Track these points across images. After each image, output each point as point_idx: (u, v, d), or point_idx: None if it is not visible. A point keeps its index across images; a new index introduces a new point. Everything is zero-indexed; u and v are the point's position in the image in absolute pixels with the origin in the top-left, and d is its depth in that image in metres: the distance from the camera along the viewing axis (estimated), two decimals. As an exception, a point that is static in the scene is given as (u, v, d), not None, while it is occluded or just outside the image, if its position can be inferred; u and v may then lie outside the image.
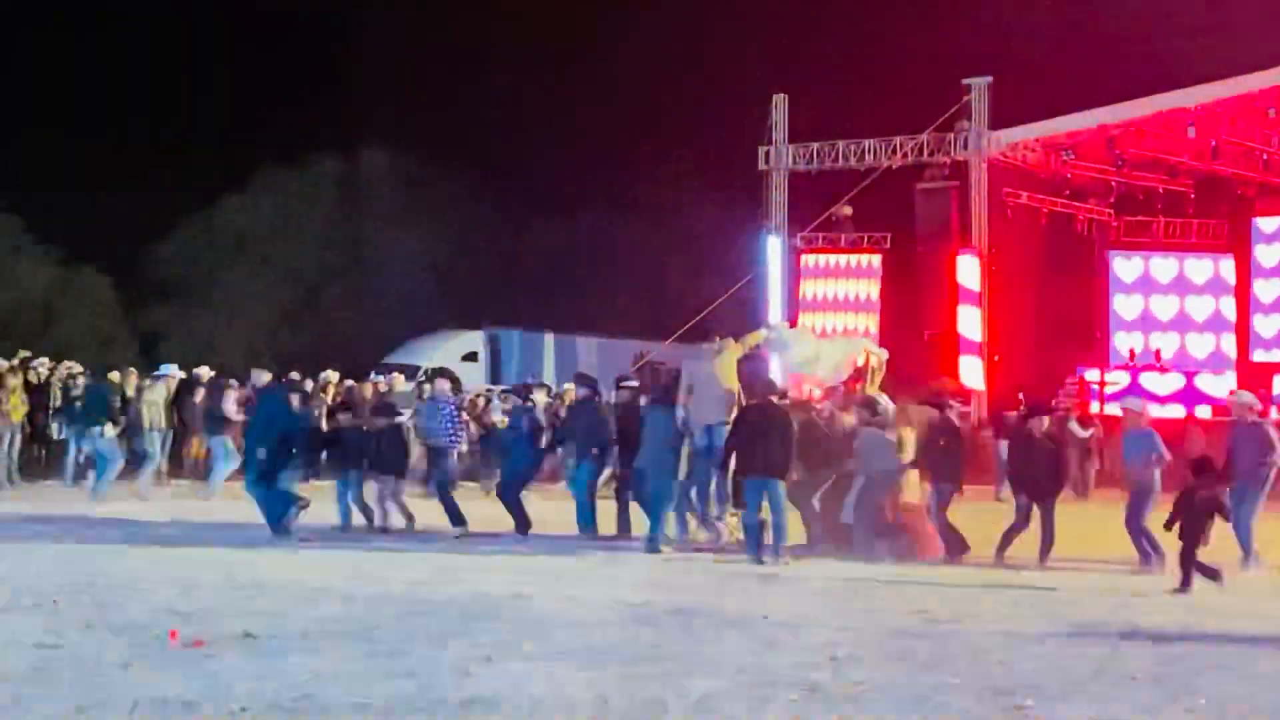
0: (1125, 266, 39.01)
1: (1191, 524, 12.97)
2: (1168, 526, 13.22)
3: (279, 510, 15.28)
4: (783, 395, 15.21)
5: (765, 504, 14.34)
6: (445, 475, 16.99)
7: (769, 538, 14.27)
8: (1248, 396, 15.89)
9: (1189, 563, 12.84)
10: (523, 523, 16.50)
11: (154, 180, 46.28)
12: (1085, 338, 38.43)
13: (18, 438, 22.10)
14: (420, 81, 49.22)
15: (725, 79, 47.10)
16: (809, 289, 38.95)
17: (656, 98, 48.92)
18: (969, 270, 36.06)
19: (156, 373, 22.10)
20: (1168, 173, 37.73)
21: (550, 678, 7.62)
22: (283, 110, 49.57)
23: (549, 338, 41.32)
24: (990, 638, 9.57)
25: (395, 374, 27.65)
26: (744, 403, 15.74)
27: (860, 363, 17.22)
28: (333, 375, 24.96)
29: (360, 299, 49.89)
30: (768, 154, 38.43)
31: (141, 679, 7.31)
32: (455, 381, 18.04)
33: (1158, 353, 36.72)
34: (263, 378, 19.54)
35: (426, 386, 20.01)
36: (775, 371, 17.15)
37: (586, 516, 16.56)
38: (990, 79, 36.22)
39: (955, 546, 15.25)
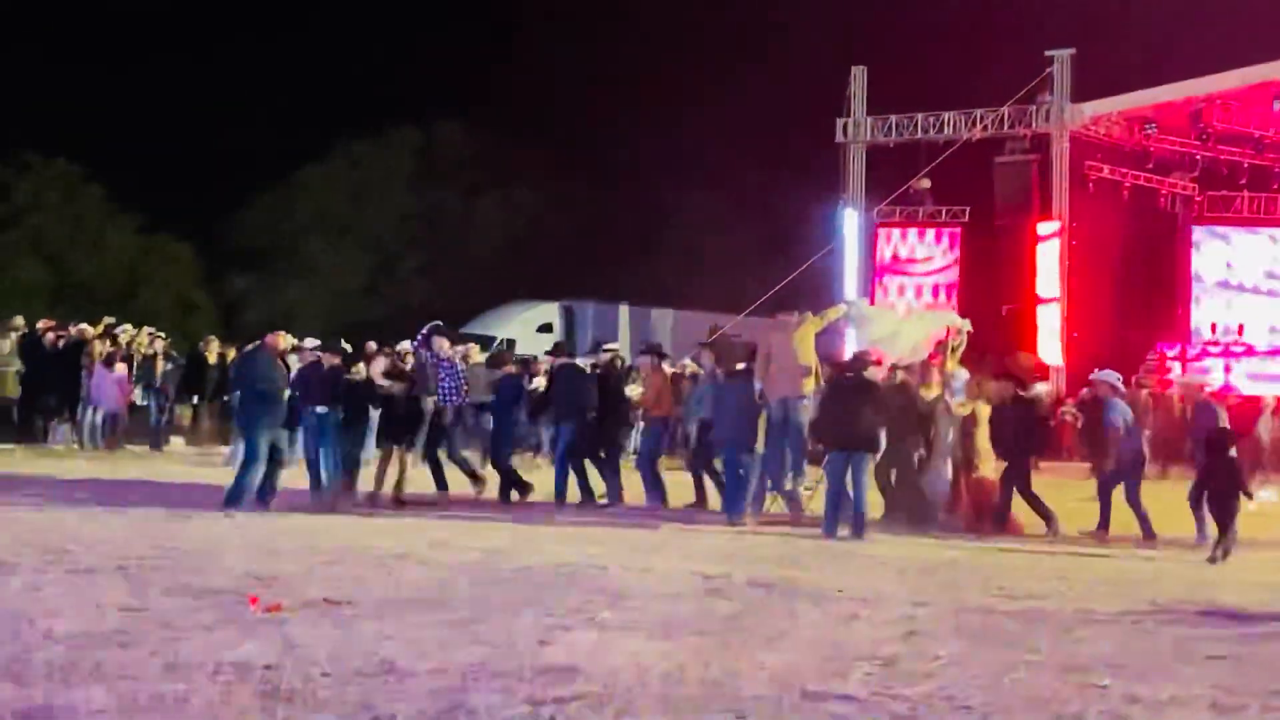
0: (1208, 242, 38.53)
1: (1219, 501, 13.32)
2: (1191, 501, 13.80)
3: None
4: (877, 364, 15.20)
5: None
6: (447, 439, 16.80)
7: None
8: (1198, 378, 15.82)
9: (1226, 535, 13.19)
10: (508, 489, 16.82)
11: (235, 150, 46.74)
12: (1166, 314, 38.06)
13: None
14: (497, 53, 49.33)
15: (804, 51, 46.84)
16: (886, 262, 38.81)
17: (736, 69, 48.74)
18: (1049, 245, 35.77)
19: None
20: (1253, 147, 37.25)
21: (626, 648, 7.64)
22: (362, 82, 49.87)
23: (624, 309, 41.36)
24: (1069, 616, 9.50)
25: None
26: (822, 377, 15.74)
27: (943, 336, 17.12)
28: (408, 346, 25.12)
29: (437, 270, 50.16)
30: (846, 126, 38.28)
31: (223, 642, 7.41)
32: (452, 338, 17.51)
33: (1240, 328, 36.25)
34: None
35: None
36: (852, 348, 17.11)
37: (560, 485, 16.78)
38: (1073, 50, 35.89)
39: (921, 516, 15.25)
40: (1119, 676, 7.40)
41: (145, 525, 12.62)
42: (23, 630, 7.55)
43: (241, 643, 7.41)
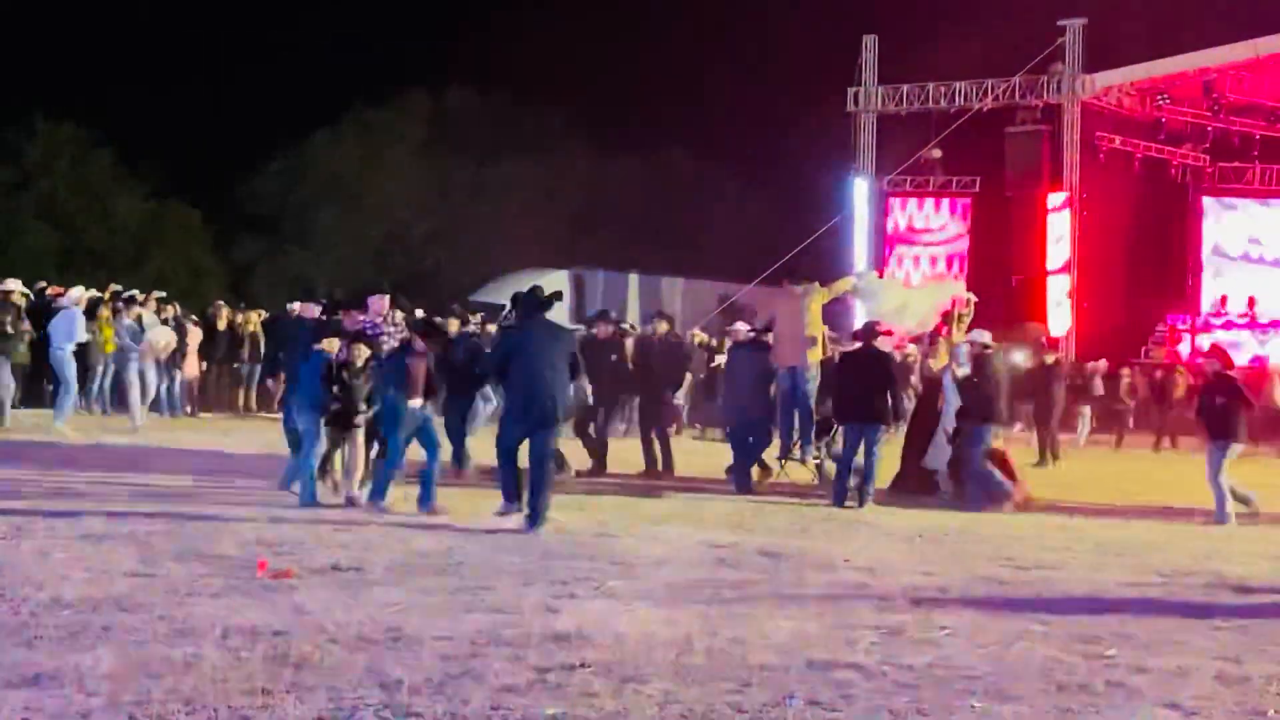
0: (1219, 213, 38.45)
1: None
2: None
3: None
4: (886, 334, 15.17)
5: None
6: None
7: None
8: (983, 335, 15.54)
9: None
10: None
11: (245, 116, 46.70)
12: (1176, 285, 37.98)
13: (110, 369, 22.42)
14: (509, 19, 49.19)
15: (815, 19, 46.71)
16: (896, 231, 38.75)
17: (746, 38, 48.61)
18: (1059, 215, 35.70)
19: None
20: (1265, 118, 37.11)
21: (634, 616, 7.67)
22: (373, 47, 49.80)
23: (634, 278, 41.31)
24: (1076, 585, 9.53)
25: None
26: (829, 347, 15.74)
27: (949, 307, 17.12)
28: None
29: (448, 237, 50.13)
30: (857, 95, 38.14)
31: (232, 608, 7.44)
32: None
33: (1251, 300, 36.16)
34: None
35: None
36: (860, 320, 17.10)
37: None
38: (1085, 20, 35.70)
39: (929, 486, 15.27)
40: (1126, 647, 7.42)
41: (155, 491, 12.65)
42: (31, 594, 7.58)
43: (250, 608, 7.45)
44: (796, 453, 15.94)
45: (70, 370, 19.34)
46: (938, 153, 37.39)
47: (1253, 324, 35.18)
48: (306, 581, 8.37)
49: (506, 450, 11.72)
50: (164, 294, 24.98)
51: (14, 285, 19.56)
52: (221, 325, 24.23)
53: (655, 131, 49.18)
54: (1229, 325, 35.32)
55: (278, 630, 6.92)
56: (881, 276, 23.31)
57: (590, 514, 12.39)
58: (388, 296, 14.12)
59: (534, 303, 11.98)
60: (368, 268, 48.55)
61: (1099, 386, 27.41)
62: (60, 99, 45.32)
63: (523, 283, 41.04)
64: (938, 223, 38.50)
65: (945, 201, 38.53)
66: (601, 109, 49.63)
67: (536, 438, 11.44)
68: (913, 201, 38.69)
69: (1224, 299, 36.60)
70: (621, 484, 15.30)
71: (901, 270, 37.10)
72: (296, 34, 49.26)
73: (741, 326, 18.19)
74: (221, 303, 25.56)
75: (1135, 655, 7.24)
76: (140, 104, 46.82)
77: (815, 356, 15.70)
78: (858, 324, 17.00)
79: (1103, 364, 28.15)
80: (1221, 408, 14.37)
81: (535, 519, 11.20)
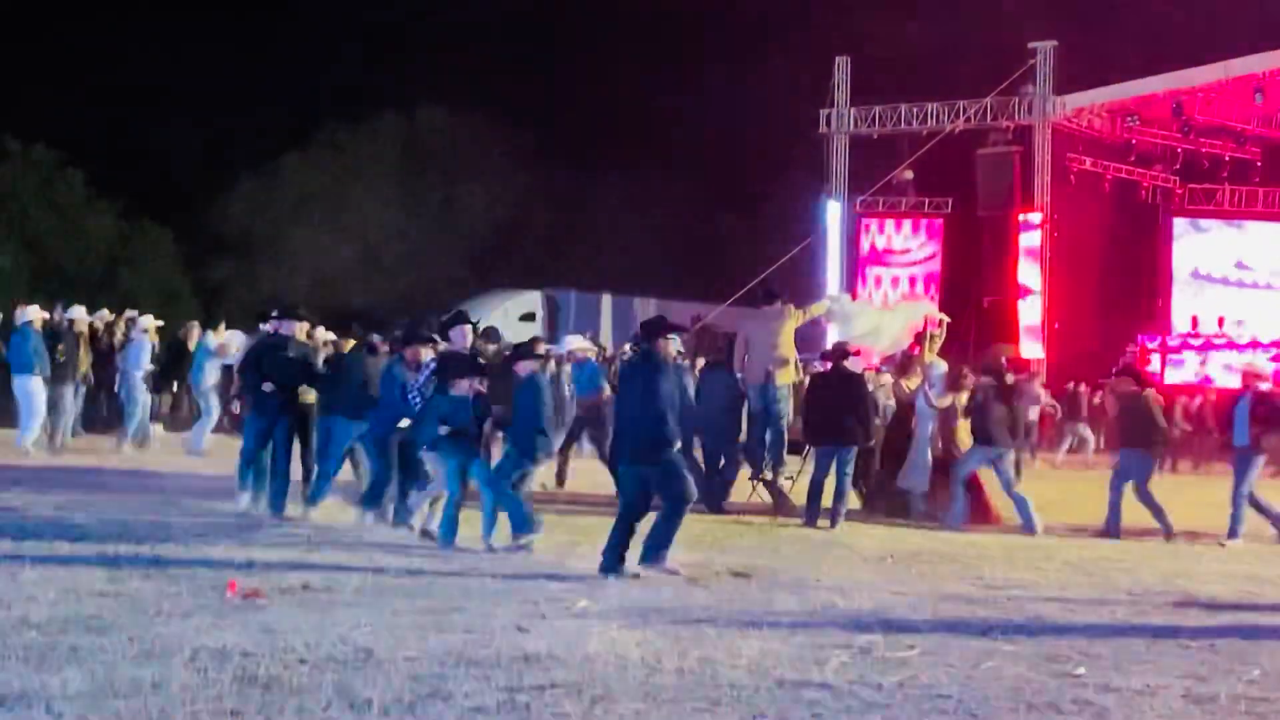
0: (1189, 234, 38.67)
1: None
2: None
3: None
4: (856, 354, 15.16)
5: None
6: None
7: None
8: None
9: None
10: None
11: (216, 135, 46.57)
12: (1147, 306, 38.20)
13: (81, 391, 22.31)
14: (481, 39, 49.23)
15: (788, 40, 46.88)
16: (868, 253, 38.89)
17: (719, 59, 48.75)
18: (1030, 236, 35.88)
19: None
20: (1234, 140, 37.36)
21: (603, 636, 7.66)
22: (345, 67, 49.76)
23: (606, 298, 41.36)
24: (1045, 605, 9.55)
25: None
26: (800, 370, 15.80)
27: (921, 328, 17.17)
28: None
29: (420, 257, 50.02)
30: (829, 117, 38.31)
31: (201, 628, 7.41)
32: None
33: (1220, 321, 36.35)
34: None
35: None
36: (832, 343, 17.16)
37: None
38: (1056, 43, 35.97)
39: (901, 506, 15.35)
40: (1094, 666, 7.45)
41: (123, 511, 12.59)
42: (-1, 615, 7.55)
43: (219, 629, 7.42)
44: (767, 473, 15.94)
45: (142, 394, 20.38)
46: (909, 174, 37.58)
47: (1231, 344, 35.29)
48: (276, 602, 8.35)
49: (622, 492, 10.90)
50: (135, 313, 24.87)
51: (77, 313, 20.00)
52: (192, 345, 24.10)
53: (626, 152, 49.22)
54: (1201, 346, 35.50)
55: (247, 651, 6.90)
56: (854, 298, 23.40)
57: (559, 534, 12.37)
58: (470, 326, 13.19)
59: (648, 332, 10.99)
60: (340, 289, 48.43)
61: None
62: (31, 120, 45.14)
63: (495, 303, 41.33)
64: (910, 244, 38.66)
65: (917, 223, 38.69)
66: (573, 130, 49.74)
67: (639, 472, 10.53)
68: (886, 223, 38.85)
69: (1194, 320, 36.79)
70: (591, 505, 15.27)
71: (880, 290, 37.28)
72: (268, 54, 49.16)
73: (576, 340, 18.19)
74: (193, 324, 25.44)
75: (1104, 674, 7.27)
76: (111, 124, 46.64)
77: (786, 378, 15.73)
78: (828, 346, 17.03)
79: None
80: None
81: (646, 554, 10.27)
